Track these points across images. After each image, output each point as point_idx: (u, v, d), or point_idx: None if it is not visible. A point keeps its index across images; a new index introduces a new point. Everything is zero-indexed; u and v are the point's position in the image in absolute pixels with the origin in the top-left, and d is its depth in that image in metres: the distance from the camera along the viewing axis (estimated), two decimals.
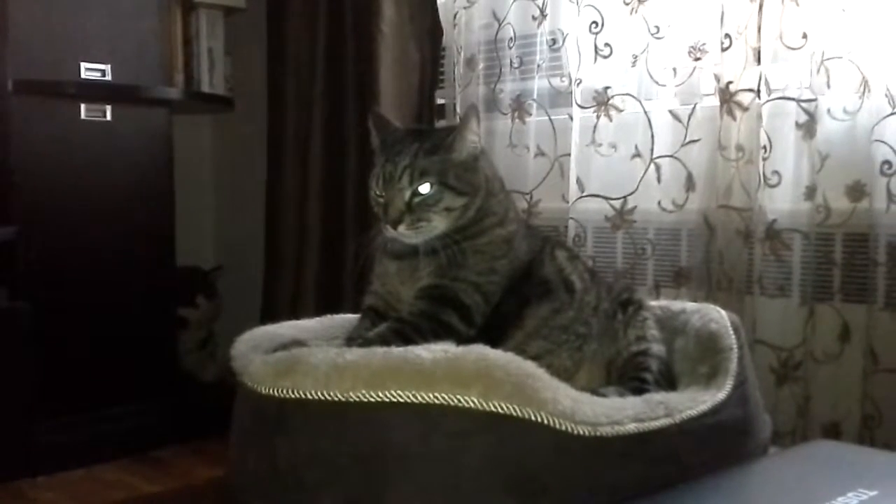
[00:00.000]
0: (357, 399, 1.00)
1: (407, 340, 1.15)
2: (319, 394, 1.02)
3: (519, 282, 1.28)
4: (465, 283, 1.24)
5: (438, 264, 1.24)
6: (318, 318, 1.48)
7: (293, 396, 1.04)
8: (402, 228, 1.23)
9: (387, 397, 1.00)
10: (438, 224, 1.24)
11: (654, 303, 1.46)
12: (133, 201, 2.37)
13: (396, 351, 1.07)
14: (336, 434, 1.03)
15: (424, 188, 1.22)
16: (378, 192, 1.26)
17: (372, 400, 1.00)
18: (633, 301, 1.37)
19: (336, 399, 1.01)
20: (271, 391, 1.06)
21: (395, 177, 1.23)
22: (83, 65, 2.24)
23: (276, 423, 1.07)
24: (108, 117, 2.30)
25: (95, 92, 2.28)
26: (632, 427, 1.04)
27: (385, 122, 1.34)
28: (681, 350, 1.34)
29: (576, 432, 1.01)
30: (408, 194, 1.22)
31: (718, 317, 1.35)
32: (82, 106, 2.26)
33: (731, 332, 1.30)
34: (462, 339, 1.13)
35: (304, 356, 1.08)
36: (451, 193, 1.24)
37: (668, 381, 1.28)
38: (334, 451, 1.03)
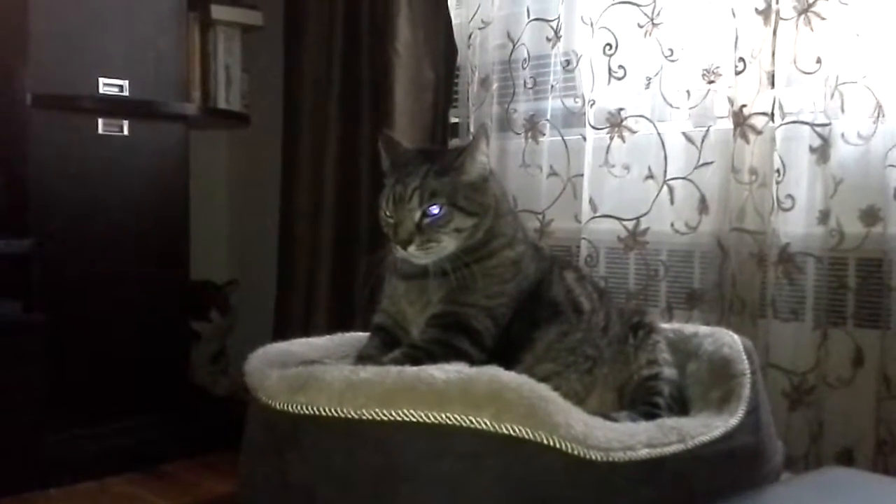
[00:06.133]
0: (370, 417, 1.01)
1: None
2: (332, 410, 1.02)
3: (528, 304, 1.28)
4: (475, 308, 1.24)
5: (448, 288, 1.24)
6: (329, 336, 1.48)
7: (307, 412, 1.04)
8: (411, 249, 1.23)
9: (399, 416, 1.00)
10: (448, 244, 1.24)
11: (666, 325, 1.46)
12: (148, 215, 2.39)
13: (410, 370, 1.07)
14: (348, 451, 1.03)
15: (434, 209, 1.23)
16: (388, 213, 1.26)
17: (384, 418, 1.00)
18: (645, 324, 1.37)
19: (349, 416, 1.01)
20: (286, 406, 1.07)
21: (405, 197, 1.23)
22: (101, 80, 2.26)
23: (290, 438, 1.07)
24: (126, 132, 2.33)
25: (113, 107, 2.30)
26: (644, 453, 1.04)
27: (395, 143, 1.35)
28: (693, 374, 1.34)
29: (588, 457, 1.00)
30: (417, 215, 1.23)
31: (731, 341, 1.34)
32: (100, 121, 2.29)
33: (744, 356, 1.29)
34: (474, 364, 1.13)
35: (318, 373, 1.09)
36: (460, 214, 1.24)
37: (680, 405, 1.27)
38: (346, 468, 1.03)
